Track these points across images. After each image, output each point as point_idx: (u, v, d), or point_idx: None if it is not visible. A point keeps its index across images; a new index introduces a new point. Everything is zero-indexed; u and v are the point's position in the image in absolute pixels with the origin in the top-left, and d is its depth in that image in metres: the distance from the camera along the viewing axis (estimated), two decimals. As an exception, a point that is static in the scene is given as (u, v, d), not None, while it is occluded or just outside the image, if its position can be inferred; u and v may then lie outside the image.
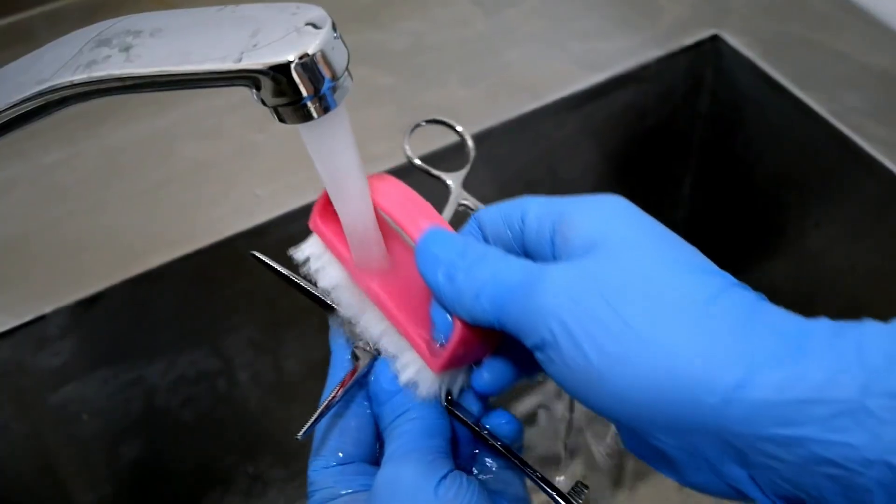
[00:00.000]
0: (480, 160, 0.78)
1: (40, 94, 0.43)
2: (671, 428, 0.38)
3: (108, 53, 0.42)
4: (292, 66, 0.40)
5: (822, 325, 0.38)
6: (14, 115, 0.44)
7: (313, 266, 0.51)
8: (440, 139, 0.76)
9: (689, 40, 0.84)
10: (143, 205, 0.72)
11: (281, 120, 0.42)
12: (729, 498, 0.40)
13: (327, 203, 0.49)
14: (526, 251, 0.46)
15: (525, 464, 0.49)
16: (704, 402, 0.37)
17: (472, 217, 0.49)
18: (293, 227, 0.72)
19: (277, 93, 0.41)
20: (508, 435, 0.49)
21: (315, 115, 0.42)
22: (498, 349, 0.48)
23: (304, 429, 0.48)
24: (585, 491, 0.48)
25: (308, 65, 0.40)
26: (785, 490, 0.37)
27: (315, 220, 0.50)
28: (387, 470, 0.45)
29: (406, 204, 0.48)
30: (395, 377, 0.49)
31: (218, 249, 0.70)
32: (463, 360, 0.47)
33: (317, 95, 0.41)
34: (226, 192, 0.73)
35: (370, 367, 0.50)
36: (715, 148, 0.90)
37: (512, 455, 0.49)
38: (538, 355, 0.41)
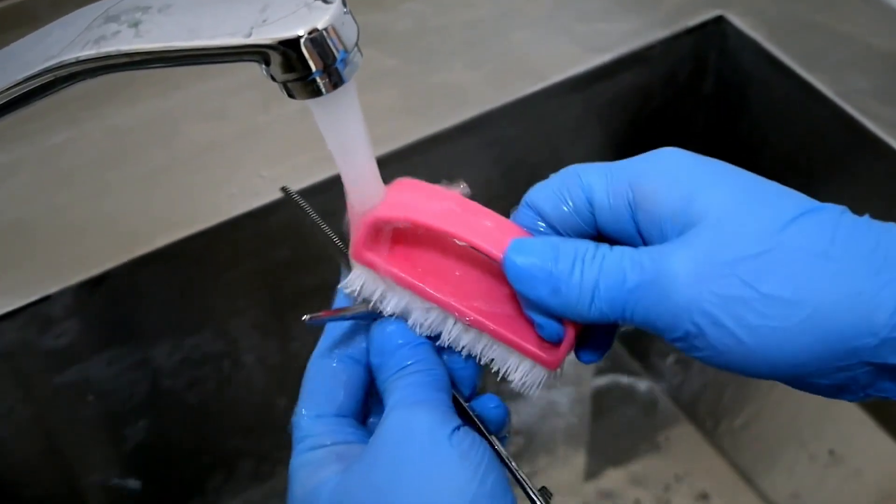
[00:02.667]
0: (485, 142, 0.79)
1: (49, 70, 0.43)
2: (827, 373, 0.40)
3: (116, 29, 0.42)
4: (302, 40, 0.40)
5: None
6: (22, 92, 0.44)
7: (371, 296, 0.49)
8: (444, 119, 0.76)
9: (693, 21, 0.84)
10: (148, 186, 0.72)
11: (290, 95, 0.42)
12: (863, 401, 0.43)
13: (371, 231, 0.48)
14: (601, 230, 0.45)
15: (508, 458, 0.48)
16: (862, 346, 0.38)
17: (524, 203, 0.47)
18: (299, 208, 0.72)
19: (287, 68, 0.41)
20: (495, 420, 0.48)
21: (324, 90, 0.42)
22: None
23: (315, 316, 0.47)
24: (550, 497, 0.48)
25: (317, 40, 0.40)
26: None
27: (360, 252, 0.48)
28: (397, 414, 0.44)
29: (451, 213, 0.46)
30: (403, 329, 0.47)
31: (223, 231, 0.70)
32: (573, 347, 0.47)
33: (326, 70, 0.41)
34: (231, 174, 0.73)
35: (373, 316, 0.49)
36: (720, 129, 0.89)
37: (497, 445, 0.48)
38: (680, 345, 0.41)
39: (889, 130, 0.74)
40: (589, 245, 0.43)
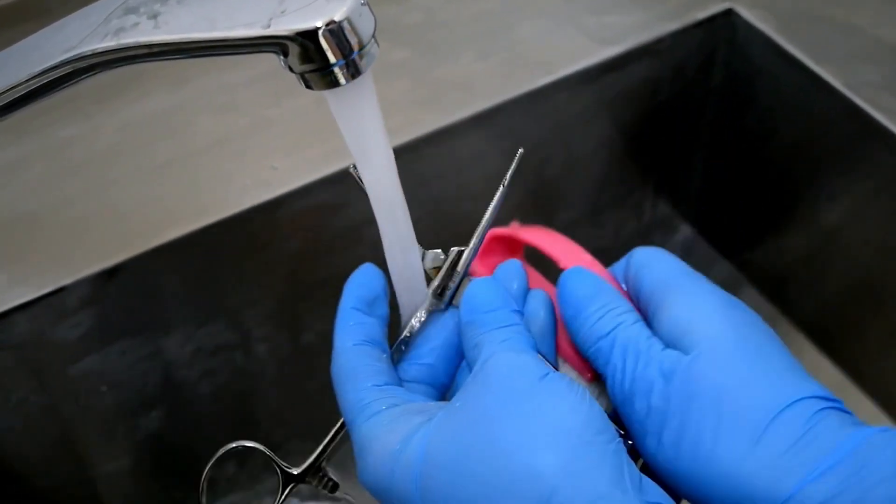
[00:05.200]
0: (495, 134, 0.79)
1: (68, 61, 0.44)
2: None
3: (135, 21, 0.42)
4: (320, 32, 0.40)
5: (878, 439, 0.43)
6: (42, 83, 0.45)
7: None
8: (454, 111, 0.76)
9: (702, 14, 0.84)
10: (161, 179, 0.73)
11: (308, 86, 0.43)
12: None
13: (486, 245, 0.55)
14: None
15: None
16: None
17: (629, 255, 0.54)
18: (310, 200, 0.72)
19: (305, 59, 0.41)
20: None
21: (342, 81, 0.42)
22: None
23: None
24: None
25: (335, 31, 0.40)
26: None
27: (474, 267, 0.54)
28: (503, 355, 0.45)
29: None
30: (501, 293, 0.49)
31: (235, 222, 0.71)
32: None
33: (344, 62, 0.41)
34: (243, 166, 0.73)
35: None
36: (728, 122, 0.90)
37: None
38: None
39: (897, 121, 0.74)
40: (620, 306, 0.50)
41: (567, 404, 0.42)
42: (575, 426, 0.41)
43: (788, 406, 0.44)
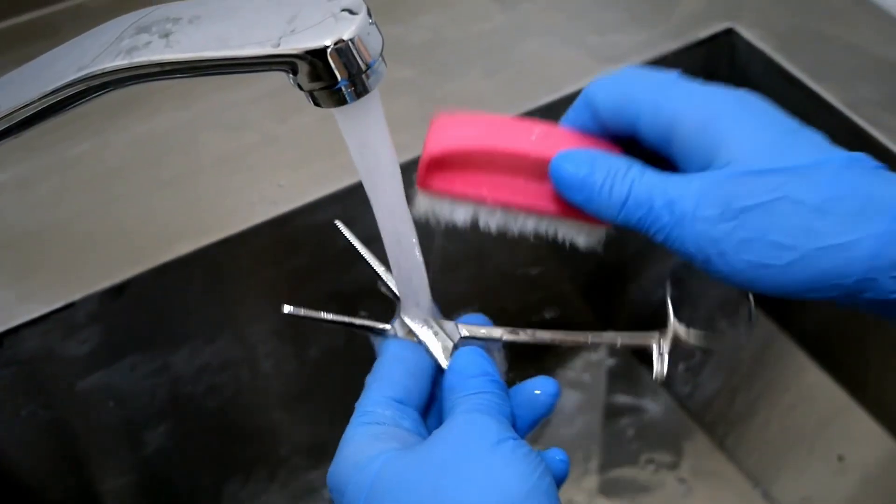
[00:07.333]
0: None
1: (81, 79, 0.44)
2: (811, 293, 0.47)
3: (148, 40, 0.43)
4: (328, 51, 0.41)
5: None
6: (54, 101, 0.45)
7: (439, 214, 0.54)
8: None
9: (704, 33, 0.85)
10: (169, 195, 0.73)
11: (316, 104, 0.43)
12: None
13: (428, 166, 0.53)
14: (641, 140, 0.52)
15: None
16: (841, 283, 0.46)
17: (584, 95, 0.53)
18: (316, 216, 0.73)
19: (314, 77, 0.42)
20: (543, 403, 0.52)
21: (349, 99, 0.43)
22: None
23: (295, 310, 0.55)
24: None
25: (344, 50, 0.41)
26: None
27: (425, 182, 0.53)
28: (468, 416, 0.47)
29: (500, 133, 0.53)
30: (484, 362, 0.51)
31: (242, 239, 0.71)
32: None
33: (352, 80, 0.42)
34: (249, 183, 0.74)
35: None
36: (730, 140, 0.90)
37: None
38: (693, 263, 0.49)
39: (897, 139, 0.75)
40: (621, 165, 0.50)
41: (514, 471, 0.44)
42: (518, 493, 0.43)
43: (835, 183, 0.46)
